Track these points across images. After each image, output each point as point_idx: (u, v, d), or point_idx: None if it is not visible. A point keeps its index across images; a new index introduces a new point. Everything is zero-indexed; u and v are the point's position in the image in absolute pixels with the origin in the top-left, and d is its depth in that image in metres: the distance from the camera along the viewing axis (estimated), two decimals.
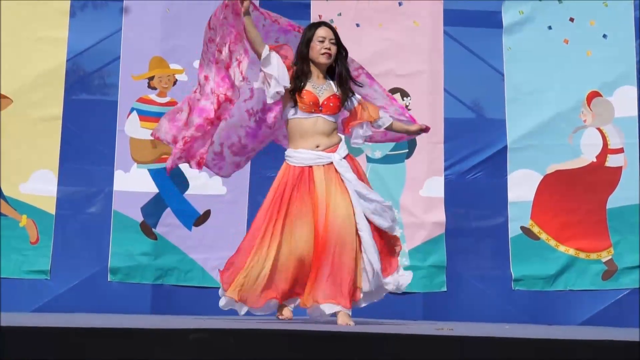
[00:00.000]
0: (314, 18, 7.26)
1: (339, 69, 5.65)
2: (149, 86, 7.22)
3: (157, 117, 7.10)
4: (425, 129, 5.86)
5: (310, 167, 5.56)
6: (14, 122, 7.06)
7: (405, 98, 7.30)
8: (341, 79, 5.65)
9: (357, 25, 7.28)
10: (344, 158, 5.58)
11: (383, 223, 5.56)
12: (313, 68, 5.65)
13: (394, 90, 7.28)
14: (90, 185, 7.13)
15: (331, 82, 5.66)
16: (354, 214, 5.48)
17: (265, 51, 5.53)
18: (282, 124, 5.73)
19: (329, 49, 5.62)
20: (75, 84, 7.35)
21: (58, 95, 7.13)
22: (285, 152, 5.65)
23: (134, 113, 7.17)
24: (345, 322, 5.31)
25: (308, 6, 7.32)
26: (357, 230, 5.47)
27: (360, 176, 5.61)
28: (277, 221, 5.46)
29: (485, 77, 7.47)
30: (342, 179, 5.53)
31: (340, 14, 7.29)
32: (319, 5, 7.33)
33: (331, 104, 5.59)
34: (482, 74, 7.47)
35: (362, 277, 5.48)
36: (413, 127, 5.85)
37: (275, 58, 5.55)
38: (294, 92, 5.55)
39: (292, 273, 5.44)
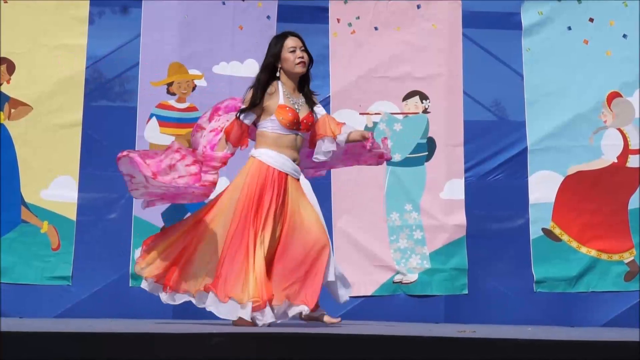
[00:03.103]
0: (332, 22, 7.26)
1: (308, 82, 5.64)
2: (168, 92, 7.23)
3: (176, 122, 7.13)
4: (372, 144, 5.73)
5: (287, 175, 5.57)
6: (35, 129, 7.08)
7: (424, 101, 7.28)
8: (309, 92, 5.65)
9: (376, 28, 7.27)
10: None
11: None
12: (287, 81, 5.61)
13: (412, 93, 7.28)
14: (110, 191, 7.14)
15: (302, 96, 5.64)
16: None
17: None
18: None
19: (303, 57, 5.58)
20: (95, 91, 7.37)
21: (78, 102, 7.14)
22: (260, 150, 5.60)
23: (154, 119, 7.18)
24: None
25: (326, 10, 7.32)
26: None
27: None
28: (256, 224, 5.47)
29: (504, 78, 7.46)
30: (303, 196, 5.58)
31: (358, 18, 7.29)
32: (337, 9, 7.32)
33: (309, 123, 5.60)
34: (501, 75, 7.46)
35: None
36: (366, 134, 5.69)
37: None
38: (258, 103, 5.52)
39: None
